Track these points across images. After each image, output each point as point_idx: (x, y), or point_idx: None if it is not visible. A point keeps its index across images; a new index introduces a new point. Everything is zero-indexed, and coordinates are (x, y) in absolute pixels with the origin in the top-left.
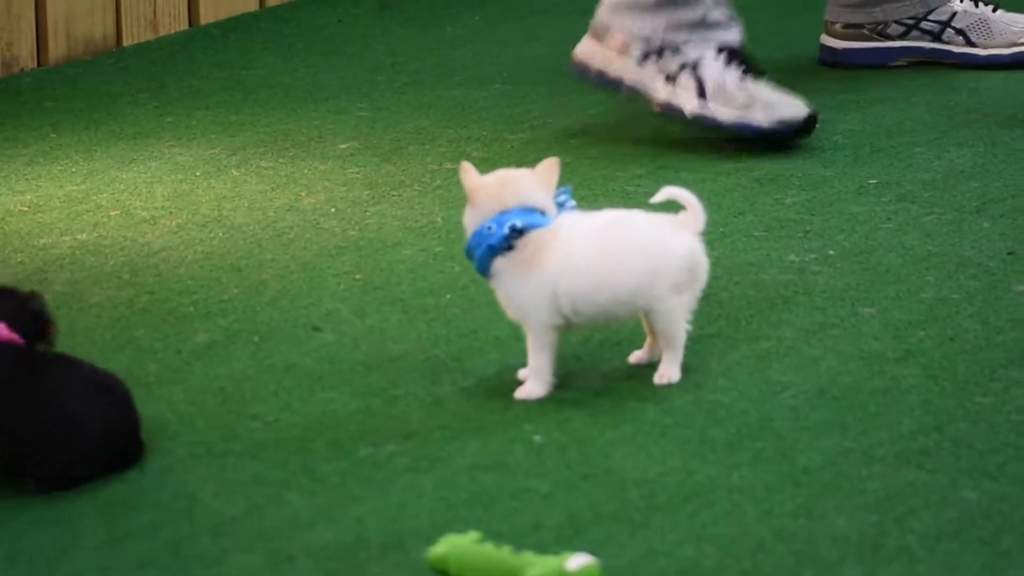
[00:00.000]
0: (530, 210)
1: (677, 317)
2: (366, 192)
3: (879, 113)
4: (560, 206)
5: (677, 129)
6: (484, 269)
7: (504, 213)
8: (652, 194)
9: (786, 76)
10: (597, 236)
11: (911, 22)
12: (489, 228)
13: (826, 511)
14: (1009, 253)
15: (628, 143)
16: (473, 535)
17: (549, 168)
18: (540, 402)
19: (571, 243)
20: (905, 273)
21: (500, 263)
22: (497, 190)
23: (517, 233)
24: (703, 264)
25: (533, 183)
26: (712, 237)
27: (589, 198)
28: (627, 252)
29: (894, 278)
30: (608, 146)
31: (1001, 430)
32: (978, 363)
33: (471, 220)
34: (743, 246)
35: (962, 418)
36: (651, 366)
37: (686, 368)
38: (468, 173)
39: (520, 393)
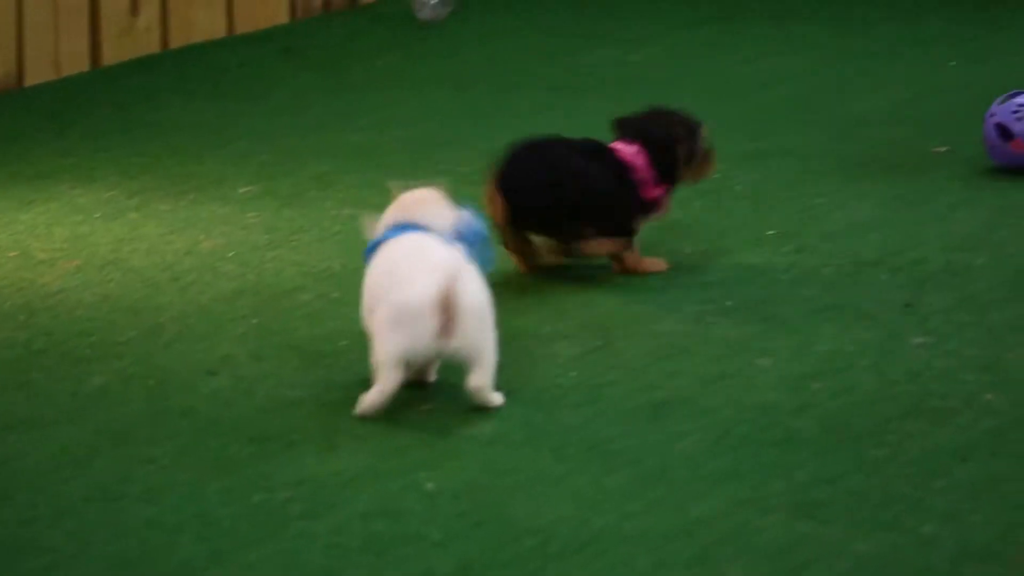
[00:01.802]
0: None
1: (376, 349)
2: (265, 237)
3: (780, 165)
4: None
5: None
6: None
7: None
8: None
9: None
10: (379, 257)
11: None
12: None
13: (720, 561)
14: (906, 305)
15: None
16: None
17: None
18: (434, 449)
19: (375, 260)
20: (802, 324)
21: None
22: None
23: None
24: (419, 317)
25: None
26: (611, 286)
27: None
28: (375, 278)
29: (791, 329)
30: None
31: (895, 482)
32: (873, 415)
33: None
34: (641, 296)
35: (857, 470)
36: (535, 415)
37: (583, 417)
38: None
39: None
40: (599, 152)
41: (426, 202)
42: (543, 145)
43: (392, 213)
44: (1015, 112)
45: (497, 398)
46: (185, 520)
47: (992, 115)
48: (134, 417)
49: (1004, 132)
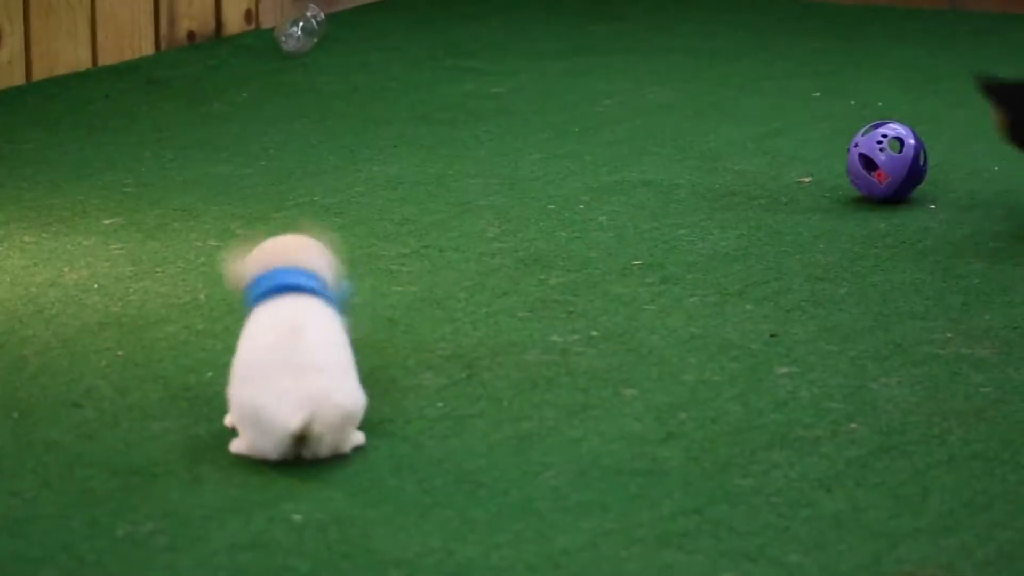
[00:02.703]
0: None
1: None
2: (130, 268)
3: (642, 196)
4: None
5: (442, 208)
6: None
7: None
8: (416, 273)
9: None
10: (260, 319)
11: None
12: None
13: None
14: (771, 336)
15: (394, 222)
16: None
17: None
18: (300, 481)
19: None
20: (668, 355)
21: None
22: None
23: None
24: (276, 439)
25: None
26: (476, 317)
27: (353, 277)
28: (252, 344)
29: (656, 359)
30: (374, 224)
31: (761, 512)
32: (739, 445)
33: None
34: (506, 326)
35: (722, 500)
36: (401, 446)
37: (448, 448)
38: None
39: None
40: None
41: (309, 251)
42: None
43: (271, 253)
44: (879, 143)
45: (358, 438)
46: (50, 553)
47: (856, 145)
48: None
49: (868, 163)
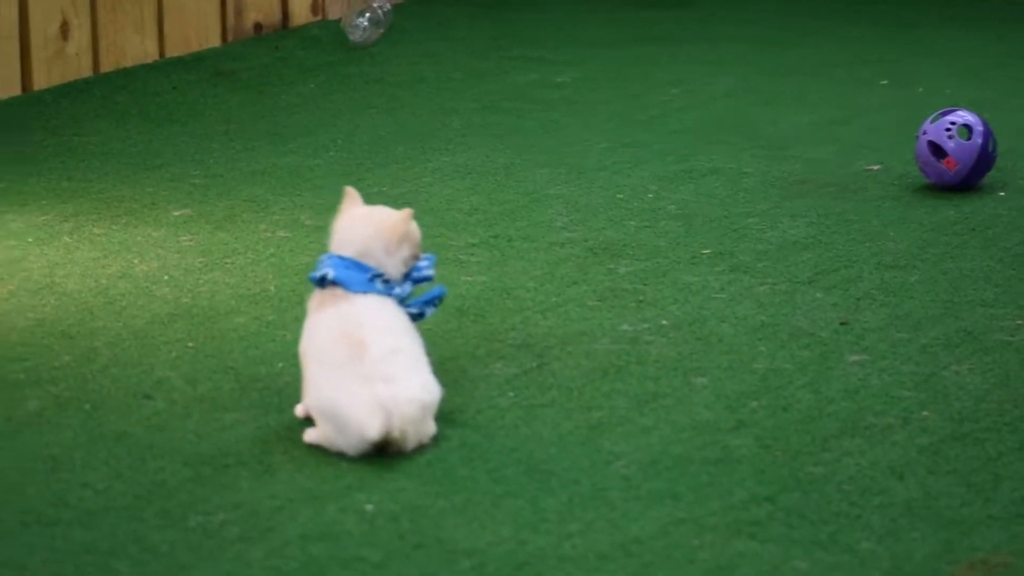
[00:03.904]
0: (357, 265)
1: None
2: (199, 259)
3: (712, 184)
4: (417, 270)
5: (511, 197)
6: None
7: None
8: (485, 262)
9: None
10: (325, 328)
11: None
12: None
13: None
14: (841, 323)
15: (463, 211)
16: None
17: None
18: (372, 470)
19: (320, 318)
20: (738, 343)
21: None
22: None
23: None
24: (358, 441)
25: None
26: (546, 306)
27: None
28: (323, 336)
29: (727, 348)
30: (443, 214)
31: (832, 500)
32: (810, 433)
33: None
34: (576, 315)
35: (794, 488)
36: (472, 436)
37: (519, 438)
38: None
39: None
40: None
41: (387, 238)
42: None
43: (346, 232)
44: (947, 130)
45: (431, 428)
46: (121, 545)
47: (924, 133)
48: (69, 442)
49: (936, 150)
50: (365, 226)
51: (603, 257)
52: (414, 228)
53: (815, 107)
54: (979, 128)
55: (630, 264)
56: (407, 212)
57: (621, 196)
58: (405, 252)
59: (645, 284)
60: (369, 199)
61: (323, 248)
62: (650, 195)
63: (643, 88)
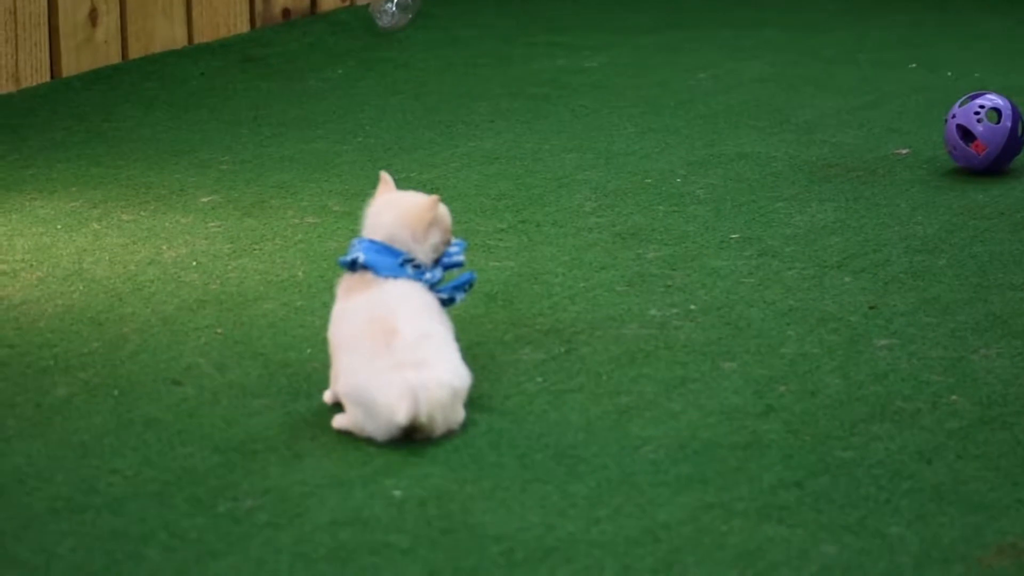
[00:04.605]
0: (388, 249)
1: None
2: (228, 246)
3: (739, 169)
4: (447, 255)
5: (539, 183)
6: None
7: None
8: (513, 248)
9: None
10: (355, 314)
11: None
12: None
13: (687, 566)
14: (870, 307)
15: (491, 197)
16: None
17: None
18: (400, 456)
19: (349, 304)
20: (766, 328)
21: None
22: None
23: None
24: (387, 426)
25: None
26: (574, 292)
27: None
28: (353, 319)
29: (755, 333)
30: (471, 199)
31: (862, 484)
32: (839, 417)
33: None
34: (604, 300)
35: (823, 472)
36: (499, 422)
37: (548, 423)
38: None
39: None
40: None
41: (414, 225)
42: None
43: (376, 216)
44: (976, 114)
45: (460, 413)
46: (151, 531)
47: (953, 116)
48: (99, 428)
49: (965, 134)
50: (394, 211)
51: (631, 242)
52: (443, 213)
53: (842, 92)
54: (1008, 111)
55: (658, 249)
56: (434, 198)
57: (649, 181)
58: (435, 238)
59: (674, 269)
60: (397, 185)
61: (352, 233)
62: (678, 180)
63: (670, 73)
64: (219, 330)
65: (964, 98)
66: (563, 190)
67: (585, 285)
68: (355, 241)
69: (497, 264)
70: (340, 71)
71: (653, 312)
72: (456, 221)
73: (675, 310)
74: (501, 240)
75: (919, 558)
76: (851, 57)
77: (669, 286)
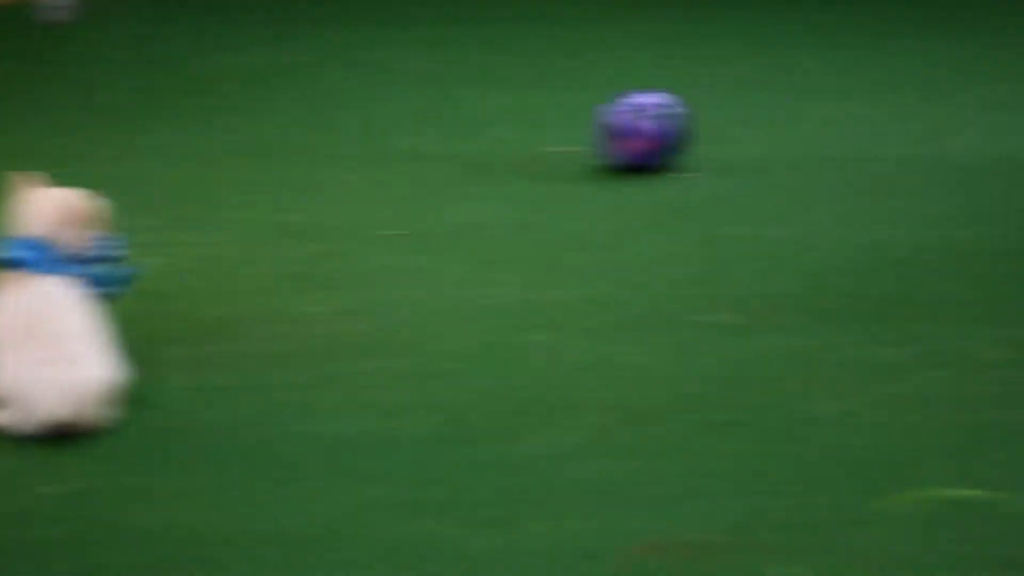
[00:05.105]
0: (40, 246)
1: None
2: None
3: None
4: (103, 251)
5: (199, 178)
6: None
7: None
8: (173, 245)
9: None
10: (7, 312)
11: None
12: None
13: (353, 559)
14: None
15: (151, 193)
16: None
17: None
18: (56, 454)
19: (3, 302)
20: (419, 324)
21: None
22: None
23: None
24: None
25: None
26: (231, 289)
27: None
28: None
29: (410, 330)
30: (131, 195)
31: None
32: (490, 414)
33: None
34: (260, 297)
35: (470, 469)
36: (155, 416)
37: (198, 419)
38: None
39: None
40: None
41: (61, 221)
42: None
43: (26, 215)
44: (633, 112)
45: (113, 411)
46: None
47: (610, 114)
48: None
49: (621, 131)
50: (42, 208)
51: (292, 239)
52: (94, 209)
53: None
54: (665, 111)
55: (316, 246)
56: (77, 194)
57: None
58: (83, 233)
59: (330, 265)
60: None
61: None
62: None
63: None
64: None
65: (621, 97)
66: (232, 187)
67: (242, 282)
68: (5, 239)
69: (157, 261)
70: None
71: (306, 309)
72: (113, 217)
73: (325, 308)
74: (160, 235)
75: (566, 552)
76: None
77: (324, 283)
